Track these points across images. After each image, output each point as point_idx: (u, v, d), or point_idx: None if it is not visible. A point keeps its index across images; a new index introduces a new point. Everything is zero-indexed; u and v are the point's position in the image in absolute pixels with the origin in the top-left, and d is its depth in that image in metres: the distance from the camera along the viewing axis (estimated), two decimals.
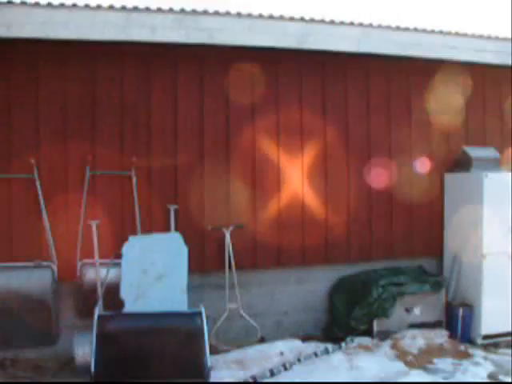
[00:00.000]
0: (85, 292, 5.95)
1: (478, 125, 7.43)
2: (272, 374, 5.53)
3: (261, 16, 6.22)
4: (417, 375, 5.68)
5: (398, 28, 6.63)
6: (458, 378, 5.66)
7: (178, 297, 5.79)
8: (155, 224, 6.26)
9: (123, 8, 5.82)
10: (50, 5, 5.65)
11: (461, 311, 6.70)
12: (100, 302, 5.67)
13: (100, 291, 5.78)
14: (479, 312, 6.74)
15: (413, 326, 6.62)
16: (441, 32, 6.74)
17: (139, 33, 5.88)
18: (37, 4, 5.62)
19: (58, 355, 5.90)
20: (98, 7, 5.75)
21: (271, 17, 6.26)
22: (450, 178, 7.19)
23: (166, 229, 6.22)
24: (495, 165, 7.06)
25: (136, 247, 5.96)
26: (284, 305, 6.84)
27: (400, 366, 5.90)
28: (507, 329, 6.78)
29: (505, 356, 6.30)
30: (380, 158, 7.10)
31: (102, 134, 6.15)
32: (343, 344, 6.11)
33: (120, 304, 5.63)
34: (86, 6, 5.73)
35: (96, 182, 6.12)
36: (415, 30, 6.71)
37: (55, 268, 5.86)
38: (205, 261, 6.46)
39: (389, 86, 7.13)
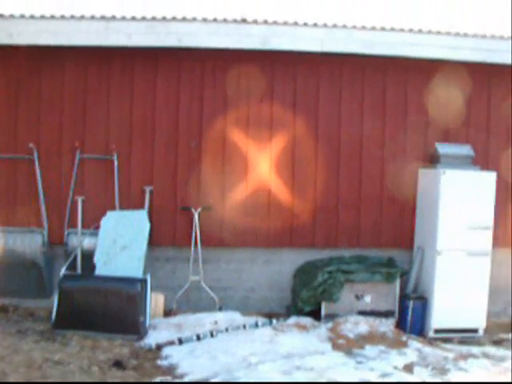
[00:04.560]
0: (70, 255, 7.12)
1: (461, 121, 7.40)
2: (198, 338, 6.26)
3: (225, 20, 6.86)
4: (330, 356, 6.01)
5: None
6: (372, 364, 5.82)
7: (135, 264, 6.78)
8: (132, 202, 7.20)
9: (103, 17, 6.83)
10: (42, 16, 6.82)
11: (411, 303, 6.87)
12: (67, 264, 6.85)
13: (79, 255, 6.97)
14: (431, 306, 6.86)
15: (363, 312, 6.90)
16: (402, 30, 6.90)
17: (117, 38, 6.87)
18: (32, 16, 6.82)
19: (51, 306, 7.09)
20: (82, 17, 6.82)
21: (235, 20, 6.88)
22: (422, 174, 7.27)
23: (142, 207, 7.15)
24: (466, 162, 7.01)
25: (111, 221, 7.04)
26: (251, 282, 7.44)
27: (325, 346, 6.23)
28: (459, 325, 6.84)
29: (438, 350, 6.37)
30: (351, 150, 7.41)
31: (91, 126, 7.22)
32: (274, 320, 6.66)
33: None
34: (72, 16, 6.82)
35: (84, 164, 7.24)
36: (378, 28, 6.92)
37: (45, 233, 7.11)
38: (177, 236, 7.29)
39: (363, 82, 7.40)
